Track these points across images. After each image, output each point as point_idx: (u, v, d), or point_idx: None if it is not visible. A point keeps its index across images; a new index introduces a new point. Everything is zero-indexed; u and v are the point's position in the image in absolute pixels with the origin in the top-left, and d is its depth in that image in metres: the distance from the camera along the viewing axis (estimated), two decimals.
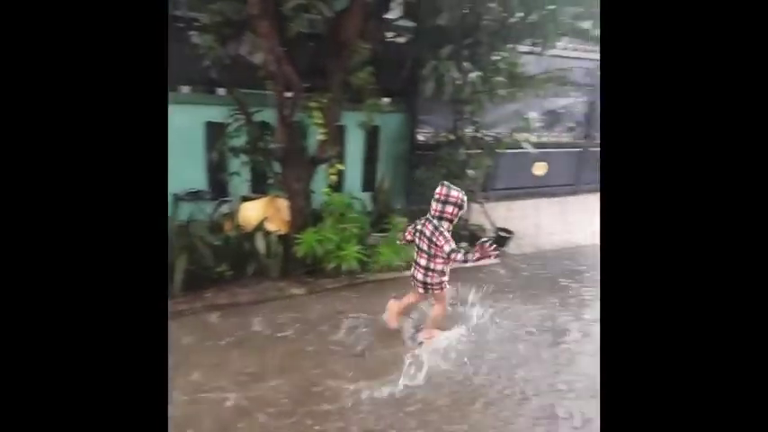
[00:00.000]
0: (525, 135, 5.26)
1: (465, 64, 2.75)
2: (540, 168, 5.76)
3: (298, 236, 3.13)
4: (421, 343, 2.57)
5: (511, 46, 3.18)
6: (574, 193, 6.05)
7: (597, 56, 5.25)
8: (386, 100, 4.21)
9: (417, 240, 2.48)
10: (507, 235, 4.01)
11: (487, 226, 4.05)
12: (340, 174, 3.11)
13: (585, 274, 3.68)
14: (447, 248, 2.29)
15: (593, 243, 4.37)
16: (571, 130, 5.81)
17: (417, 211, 3.93)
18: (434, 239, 2.34)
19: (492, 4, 2.66)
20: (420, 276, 2.48)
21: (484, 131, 4.05)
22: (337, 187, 3.36)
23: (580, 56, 5.28)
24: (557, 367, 2.47)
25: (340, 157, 3.73)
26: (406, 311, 2.75)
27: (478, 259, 2.24)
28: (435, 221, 2.38)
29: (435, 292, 2.50)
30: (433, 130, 4.66)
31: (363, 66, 2.82)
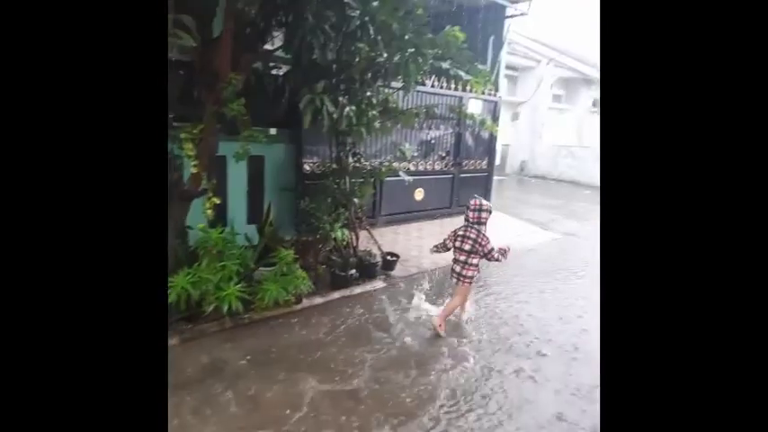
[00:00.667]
0: (403, 164, 5.71)
1: (340, 98, 2.88)
2: (420, 194, 6.23)
3: (169, 280, 2.81)
4: (439, 330, 3.02)
5: (381, 83, 3.43)
6: (450, 214, 6.66)
7: (459, 93, 5.97)
8: (272, 130, 4.14)
9: (459, 243, 3.02)
10: (393, 258, 4.20)
11: (375, 251, 4.18)
12: (217, 207, 2.91)
13: None
14: (489, 247, 2.92)
15: None
16: (443, 158, 6.44)
17: (306, 242, 3.89)
18: (480, 240, 2.93)
19: (360, 45, 2.86)
20: (458, 269, 3.05)
21: (366, 161, 4.25)
22: (216, 222, 3.14)
23: (445, 92, 5.95)
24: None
25: (220, 190, 3.51)
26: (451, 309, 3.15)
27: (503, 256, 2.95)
28: (477, 227, 2.96)
29: (465, 283, 3.04)
30: (319, 159, 4.72)
31: (236, 97, 2.75)
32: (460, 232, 3.04)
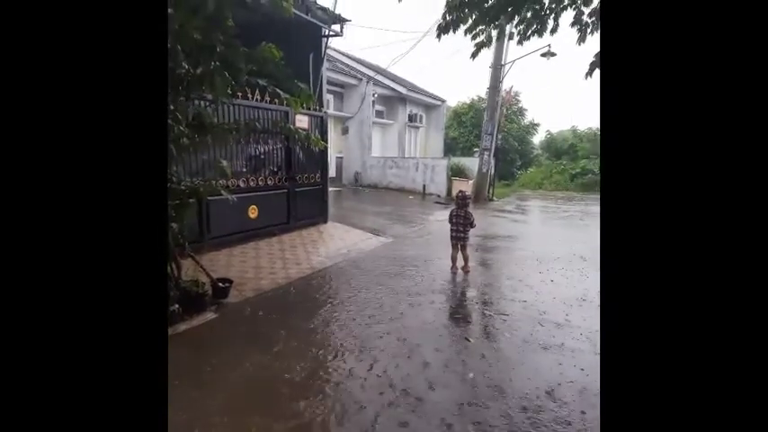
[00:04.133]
0: (231, 181, 5.34)
1: None
2: (254, 211, 5.93)
3: None
4: (467, 271, 5.01)
5: (185, 96, 3.13)
6: (289, 230, 6.55)
7: (285, 108, 5.94)
8: None
9: (455, 219, 5.01)
10: (226, 285, 3.87)
11: (204, 278, 3.77)
12: None
13: (307, 303, 3.98)
14: (472, 219, 4.99)
15: (311, 273, 4.81)
16: (275, 173, 6.29)
17: None
18: (468, 217, 4.97)
19: None
20: (458, 235, 5.01)
21: (183, 181, 3.79)
22: None
23: (269, 107, 5.84)
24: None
25: None
26: (455, 259, 5.09)
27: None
28: (464, 209, 5.00)
29: (464, 243, 5.02)
30: None
31: None
32: (454, 213, 5.03)
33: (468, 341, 3.22)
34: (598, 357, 2.97)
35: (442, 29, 3.40)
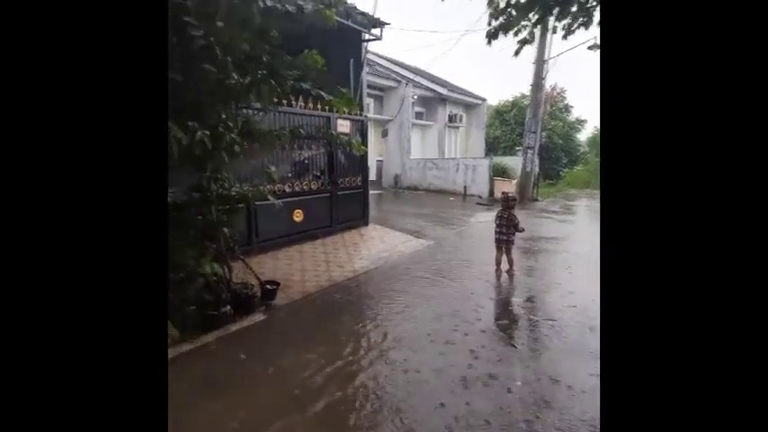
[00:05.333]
0: (277, 186, 5.52)
1: (189, 123, 2.64)
2: (299, 215, 6.10)
3: None
4: (512, 274, 4.92)
5: (235, 105, 3.27)
6: (331, 233, 6.67)
7: (326, 113, 6.06)
8: None
9: (499, 221, 4.97)
10: (274, 287, 4.00)
11: (253, 281, 3.92)
12: None
13: (352, 306, 4.03)
14: (516, 221, 4.90)
15: (354, 276, 4.87)
16: (318, 177, 6.44)
17: (173, 279, 3.43)
18: (512, 219, 4.88)
19: (207, 66, 2.69)
20: (502, 238, 4.95)
21: (233, 187, 3.97)
22: None
23: (312, 113, 5.99)
24: None
25: None
26: (500, 261, 5.04)
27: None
28: (508, 210, 4.93)
29: (509, 244, 4.96)
30: (178, 189, 4.25)
31: None
32: (499, 214, 5.01)
33: (515, 347, 3.12)
34: None
35: (492, 35, 3.34)
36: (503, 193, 5.33)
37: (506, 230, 4.92)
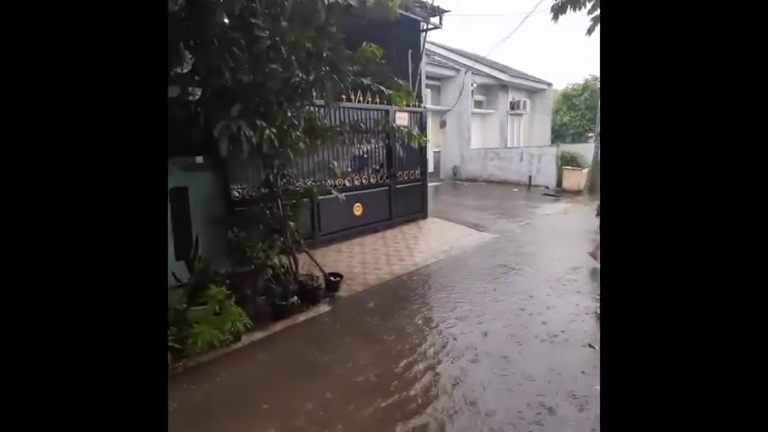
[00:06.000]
0: (338, 181, 5.64)
1: (258, 121, 2.75)
2: (359, 209, 6.19)
3: None
4: None
5: (300, 103, 3.36)
6: (391, 226, 6.69)
7: (385, 106, 6.06)
8: (198, 158, 3.87)
9: None
10: (337, 279, 4.09)
11: (317, 273, 4.05)
12: None
13: (414, 299, 4.01)
14: None
15: (415, 270, 4.85)
16: (377, 171, 6.47)
17: (240, 274, 3.66)
18: None
19: (273, 65, 2.77)
20: None
21: (298, 182, 4.12)
22: None
23: (371, 107, 6.01)
24: None
25: None
26: None
27: None
28: None
29: None
30: (248, 185, 4.50)
31: None
32: None
33: (593, 348, 2.90)
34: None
35: (558, 9, 3.10)
36: None
37: None
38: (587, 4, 3.59)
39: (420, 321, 3.46)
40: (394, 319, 3.51)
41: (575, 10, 3.49)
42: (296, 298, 3.60)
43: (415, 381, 2.58)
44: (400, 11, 6.03)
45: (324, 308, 3.77)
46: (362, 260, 5.16)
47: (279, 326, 3.40)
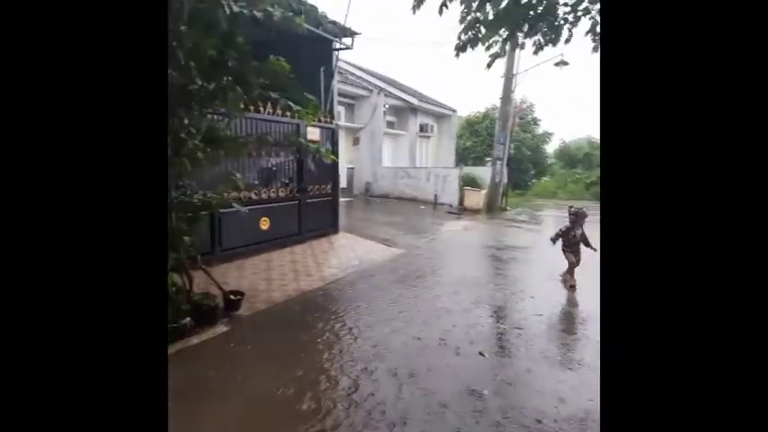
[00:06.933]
0: (243, 194, 5.39)
1: None
2: (265, 223, 5.97)
3: None
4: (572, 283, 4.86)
5: (199, 111, 3.18)
6: (300, 241, 6.57)
7: (296, 120, 6.00)
8: None
9: (570, 237, 4.81)
10: (237, 297, 3.87)
11: (215, 291, 3.79)
12: None
13: (320, 315, 3.96)
14: (587, 241, 4.81)
15: (323, 285, 4.80)
16: (286, 185, 6.34)
17: None
18: (584, 236, 4.79)
19: (168, 70, 2.60)
20: (574, 258, 4.83)
21: (196, 194, 3.84)
22: None
23: (281, 120, 5.91)
24: None
25: None
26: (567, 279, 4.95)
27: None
28: (575, 226, 4.77)
29: (576, 256, 4.85)
30: None
31: None
32: (566, 231, 4.82)
33: (483, 356, 3.15)
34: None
35: (460, 48, 3.42)
36: (575, 209, 4.93)
37: (577, 249, 4.78)
38: (485, 42, 4.00)
39: (325, 337, 3.42)
40: (297, 337, 3.42)
41: (473, 48, 3.87)
42: (189, 319, 3.32)
43: (312, 401, 2.53)
44: (311, 27, 6.10)
45: (221, 329, 3.53)
46: (268, 276, 4.97)
47: (169, 350, 3.09)
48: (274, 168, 6.22)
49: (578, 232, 4.80)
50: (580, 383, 2.76)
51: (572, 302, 4.45)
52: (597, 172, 18.47)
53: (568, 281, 4.89)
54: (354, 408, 2.45)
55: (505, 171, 12.79)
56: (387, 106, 15.30)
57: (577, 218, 4.79)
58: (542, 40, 3.69)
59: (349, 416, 2.37)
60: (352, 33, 7.30)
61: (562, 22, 3.54)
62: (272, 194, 6.06)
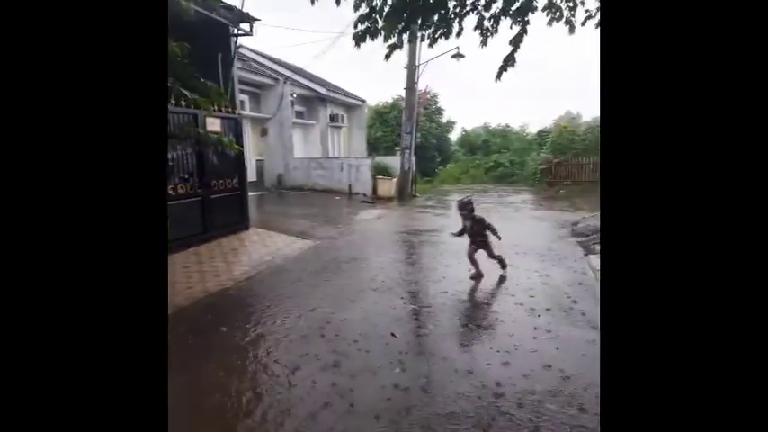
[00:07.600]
0: None
1: None
2: None
3: None
4: (505, 266, 4.91)
5: None
6: (206, 240, 6.16)
7: (192, 110, 5.55)
8: None
9: (471, 231, 4.70)
10: None
11: None
12: None
13: (227, 316, 3.78)
14: (491, 225, 4.65)
15: (233, 285, 4.58)
16: (185, 181, 5.87)
17: None
18: (482, 222, 4.66)
19: None
20: (477, 245, 4.69)
21: None
22: None
23: (175, 110, 5.42)
24: None
25: None
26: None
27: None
28: (471, 217, 4.68)
29: (488, 249, 4.73)
30: None
31: None
32: (465, 224, 4.74)
33: (395, 336, 3.31)
34: (517, 335, 3.25)
35: (358, 38, 3.45)
36: (460, 201, 4.90)
37: (480, 237, 4.64)
38: (385, 33, 4.07)
39: (233, 342, 3.30)
40: (200, 344, 3.24)
41: (372, 39, 3.92)
42: None
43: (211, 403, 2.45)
44: (202, 11, 5.66)
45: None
46: (170, 280, 4.59)
47: None
48: (171, 163, 5.71)
49: (468, 224, 4.71)
50: (475, 339, 3.07)
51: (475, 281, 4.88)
52: (494, 157, 20.18)
53: (475, 271, 4.74)
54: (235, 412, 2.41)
55: (414, 159, 13.33)
56: (294, 95, 14.87)
57: (462, 210, 4.71)
58: (436, 33, 3.90)
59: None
60: (250, 19, 6.93)
61: (452, 16, 3.77)
62: (169, 192, 5.56)
